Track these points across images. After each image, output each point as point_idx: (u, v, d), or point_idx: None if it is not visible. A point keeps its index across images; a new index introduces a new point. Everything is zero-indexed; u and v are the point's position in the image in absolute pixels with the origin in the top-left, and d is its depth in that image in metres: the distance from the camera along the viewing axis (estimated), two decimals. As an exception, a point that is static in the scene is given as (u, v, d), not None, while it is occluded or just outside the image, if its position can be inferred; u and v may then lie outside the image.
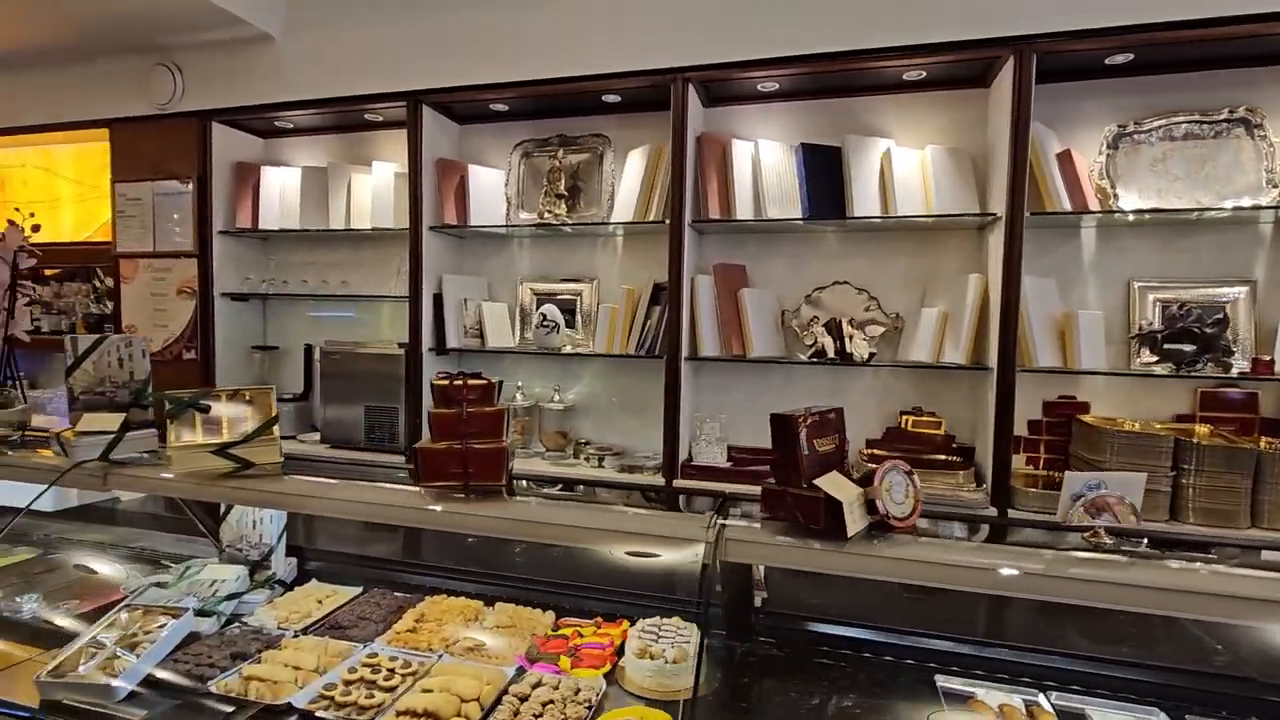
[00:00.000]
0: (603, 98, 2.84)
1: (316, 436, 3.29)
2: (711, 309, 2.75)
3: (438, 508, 1.33)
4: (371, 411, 3.06)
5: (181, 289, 3.32)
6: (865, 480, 1.14)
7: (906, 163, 2.56)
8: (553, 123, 3.07)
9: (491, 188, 3.09)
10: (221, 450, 1.47)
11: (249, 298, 3.48)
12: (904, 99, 2.64)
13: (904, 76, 2.53)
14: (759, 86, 2.67)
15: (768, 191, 2.64)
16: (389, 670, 1.38)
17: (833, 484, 1.10)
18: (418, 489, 1.38)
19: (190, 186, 3.26)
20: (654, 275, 2.94)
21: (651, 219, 2.76)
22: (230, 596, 1.65)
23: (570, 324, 3.02)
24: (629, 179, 2.88)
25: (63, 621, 1.67)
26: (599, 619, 1.65)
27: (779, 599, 1.56)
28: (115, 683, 1.27)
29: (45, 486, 1.55)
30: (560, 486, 2.35)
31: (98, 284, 3.95)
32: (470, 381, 1.36)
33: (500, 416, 1.38)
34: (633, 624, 1.58)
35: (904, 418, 2.63)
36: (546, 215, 2.92)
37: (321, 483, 1.44)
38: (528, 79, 2.78)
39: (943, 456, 2.50)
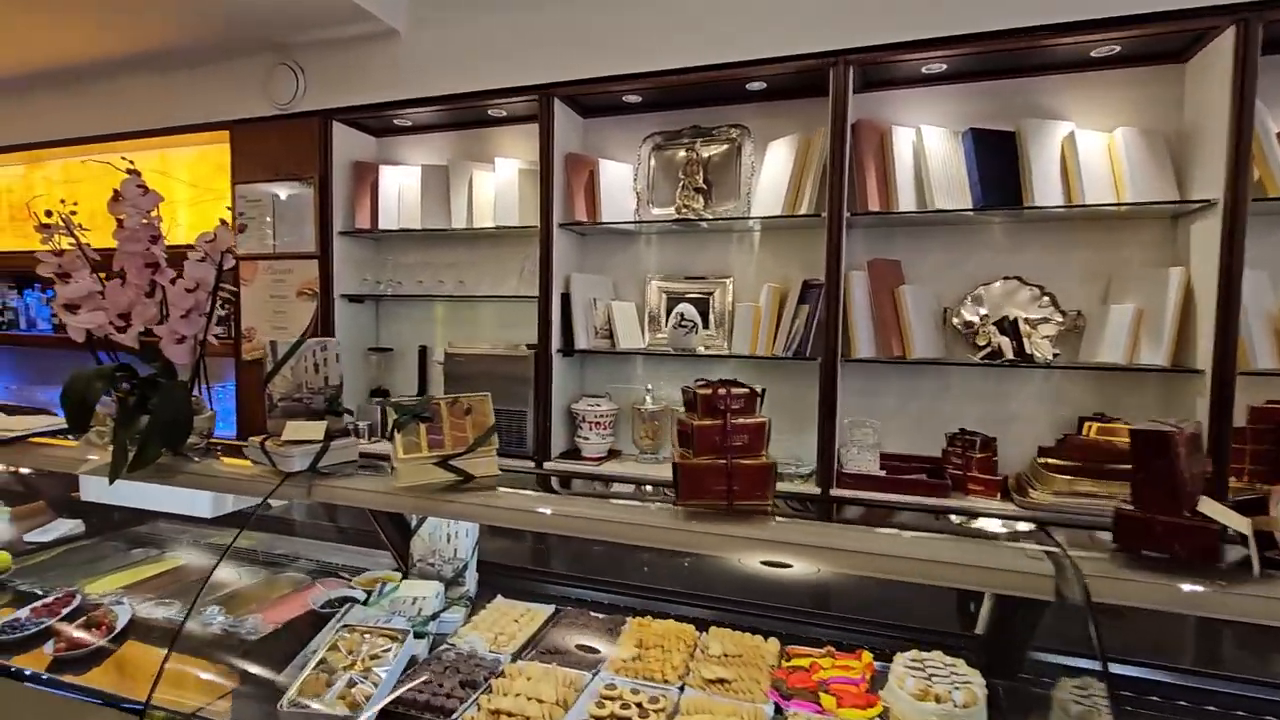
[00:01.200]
0: (747, 86, 2.69)
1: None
2: (866, 308, 2.58)
3: (702, 529, 1.20)
4: (498, 415, 2.97)
5: (302, 290, 3.29)
6: (1248, 507, 0.97)
7: (1092, 147, 2.35)
8: (684, 114, 2.93)
9: (619, 183, 2.97)
10: (444, 462, 1.37)
11: (364, 299, 3.43)
12: (1087, 78, 2.42)
13: (1092, 54, 2.32)
14: (923, 69, 2.49)
15: (933, 181, 2.46)
16: (637, 704, 1.26)
17: (1222, 513, 0.93)
18: (669, 507, 1.26)
19: (311, 187, 3.23)
20: (793, 272, 2.79)
21: (804, 212, 2.60)
22: (433, 616, 1.56)
23: (704, 324, 2.89)
24: (771, 170, 2.73)
25: (258, 637, 1.60)
26: (829, 648, 1.50)
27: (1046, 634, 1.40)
28: (364, 717, 1.18)
29: (260, 499, 1.47)
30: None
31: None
32: (734, 390, 1.23)
33: (763, 429, 1.24)
34: (877, 655, 1.44)
35: (1087, 425, 2.41)
36: (685, 210, 2.78)
37: (568, 500, 1.33)
38: (665, 68, 2.66)
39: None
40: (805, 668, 1.42)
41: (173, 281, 1.64)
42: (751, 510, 1.22)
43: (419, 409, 1.36)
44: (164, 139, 3.65)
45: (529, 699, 1.26)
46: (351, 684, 1.25)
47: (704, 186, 2.80)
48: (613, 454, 3.00)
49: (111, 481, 1.53)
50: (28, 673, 1.42)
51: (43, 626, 1.57)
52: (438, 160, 3.32)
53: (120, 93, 3.64)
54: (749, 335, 2.71)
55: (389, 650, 1.34)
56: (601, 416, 2.92)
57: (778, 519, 1.24)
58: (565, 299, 2.92)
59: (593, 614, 1.67)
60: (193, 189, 3.75)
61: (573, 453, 3.00)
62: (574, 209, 2.91)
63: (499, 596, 1.74)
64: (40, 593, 1.83)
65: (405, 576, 1.78)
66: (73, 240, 1.67)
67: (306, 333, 3.28)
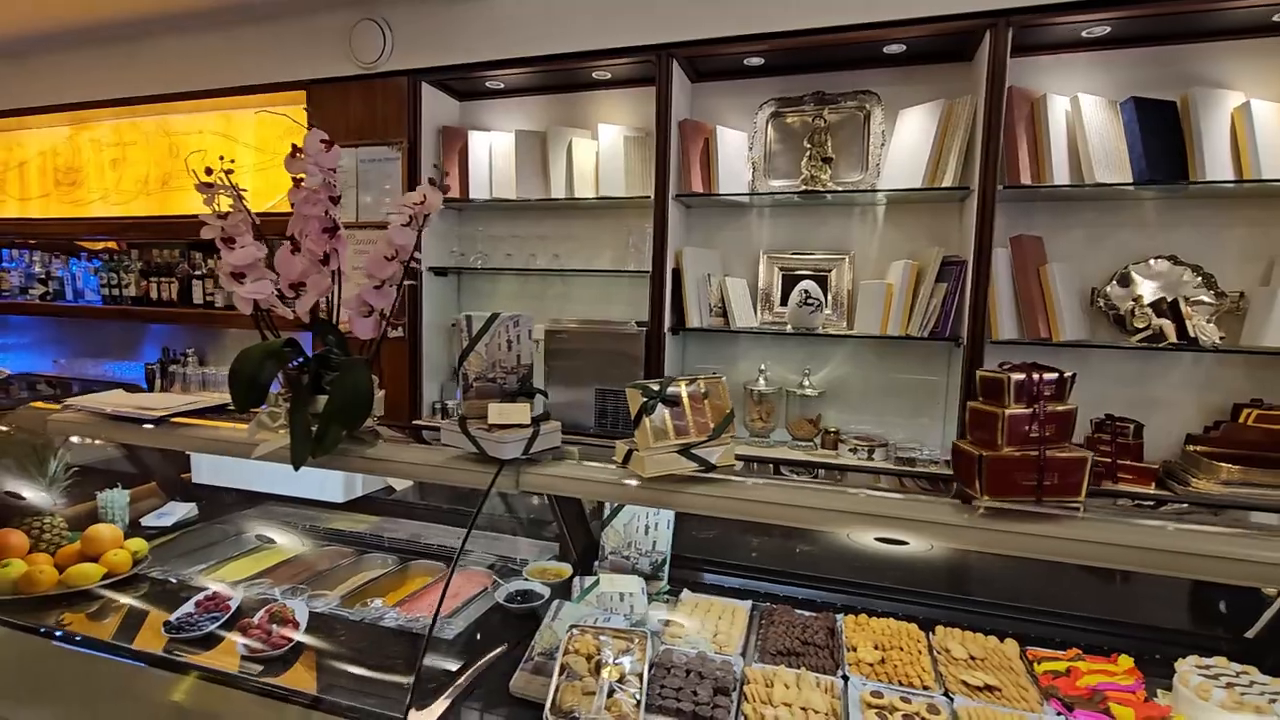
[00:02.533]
0: (884, 49, 2.53)
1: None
2: (1009, 287, 2.46)
3: (1011, 529, 1.09)
4: (604, 395, 2.85)
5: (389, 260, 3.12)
6: None
7: (1268, 119, 2.22)
8: (806, 79, 2.77)
9: (733, 152, 2.82)
10: (685, 450, 1.25)
11: (447, 272, 3.28)
12: (1264, 44, 2.28)
13: (1275, 18, 2.18)
14: (1083, 33, 2.34)
15: (1092, 153, 2.33)
16: (917, 715, 1.16)
17: None
18: (952, 502, 1.15)
19: (400, 153, 3.05)
20: (921, 248, 2.66)
21: (946, 185, 2.46)
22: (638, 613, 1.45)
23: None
24: (905, 140, 2.58)
25: (453, 635, 1.48)
26: (1075, 650, 1.40)
27: None
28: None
29: (486, 488, 1.33)
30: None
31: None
32: (1045, 375, 1.11)
33: (1070, 417, 1.12)
34: (1138, 660, 1.34)
35: (1245, 411, 2.31)
36: (813, 181, 2.64)
37: (830, 493, 1.21)
38: (793, 29, 2.49)
39: (1298, 457, 2.19)
40: (1063, 672, 1.33)
41: (329, 253, 1.48)
42: (1064, 506, 1.10)
43: (663, 392, 1.23)
44: (228, 100, 3.45)
45: (801, 709, 1.15)
46: (611, 692, 1.14)
47: (831, 156, 2.64)
48: (720, 436, 2.88)
49: (297, 468, 1.40)
50: (231, 674, 1.30)
51: (218, 622, 1.45)
52: (527, 126, 3.15)
53: (178, 49, 3.43)
54: (877, 314, 2.58)
55: (630, 653, 1.23)
56: (712, 398, 2.80)
57: (1087, 516, 1.13)
58: (676, 275, 2.78)
59: (797, 610, 1.56)
60: (259, 153, 3.55)
61: (678, 435, 2.88)
62: (689, 179, 2.75)
63: (685, 590, 1.64)
64: (173, 581, 1.71)
65: (579, 570, 1.67)
66: (234, 200, 1.51)
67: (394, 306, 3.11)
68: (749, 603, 1.59)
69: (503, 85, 3.11)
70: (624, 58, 2.74)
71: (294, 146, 1.44)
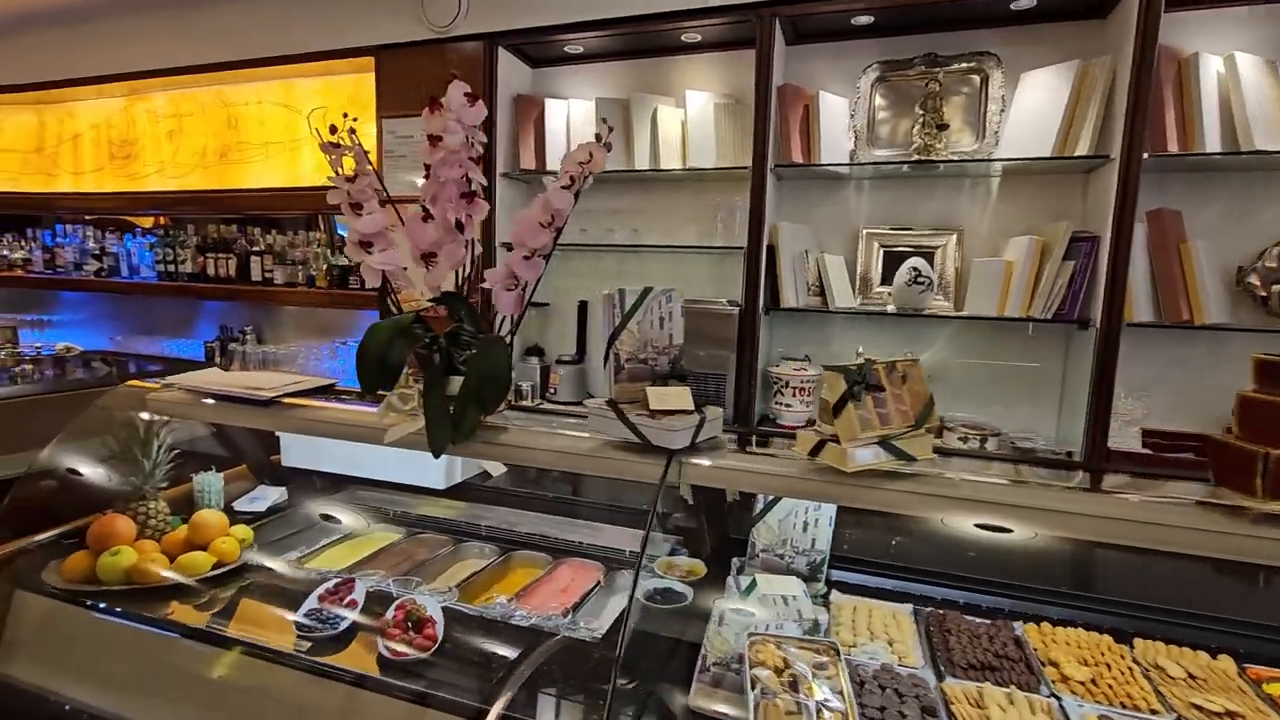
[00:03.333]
0: (1010, 5, 2.33)
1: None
2: (1145, 265, 2.27)
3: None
4: (698, 378, 2.71)
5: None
6: None
7: None
8: (914, 40, 2.57)
9: (834, 119, 2.63)
10: (885, 442, 1.11)
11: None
12: None
13: None
14: (1242, -16, 2.12)
15: (1250, 118, 2.12)
16: (1163, 747, 1.02)
17: None
18: (1222, 505, 0.99)
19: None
20: (1038, 223, 2.48)
21: (1081, 153, 2.27)
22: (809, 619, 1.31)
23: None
24: (1028, 105, 2.39)
25: (596, 637, 1.36)
26: (1300, 669, 1.25)
27: None
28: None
29: (660, 483, 1.20)
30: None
31: (324, 231, 3.68)
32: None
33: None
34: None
35: None
36: (927, 151, 2.45)
37: (1087, 498, 1.06)
38: None
39: None
40: (1298, 695, 1.18)
41: (458, 220, 1.35)
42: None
43: (866, 375, 1.09)
44: (289, 69, 3.31)
45: (1032, 736, 1.02)
46: (819, 713, 1.01)
47: (948, 123, 2.45)
48: (810, 423, 2.74)
49: (437, 454, 1.28)
50: (393, 684, 1.19)
51: (347, 621, 1.34)
52: (604, 93, 2.98)
53: (237, 15, 3.29)
54: (993, 295, 2.41)
55: (824, 668, 1.10)
56: (807, 381, 2.65)
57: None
58: (770, 251, 2.62)
59: (966, 617, 1.42)
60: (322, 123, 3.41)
61: (763, 421, 2.74)
62: (788, 149, 2.58)
63: (834, 592, 1.50)
64: (282, 570, 1.61)
65: (712, 567, 1.54)
66: (359, 162, 1.38)
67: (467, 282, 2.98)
68: (908, 606, 1.45)
69: (581, 50, 2.94)
70: (718, 17, 2.55)
71: (433, 100, 1.30)
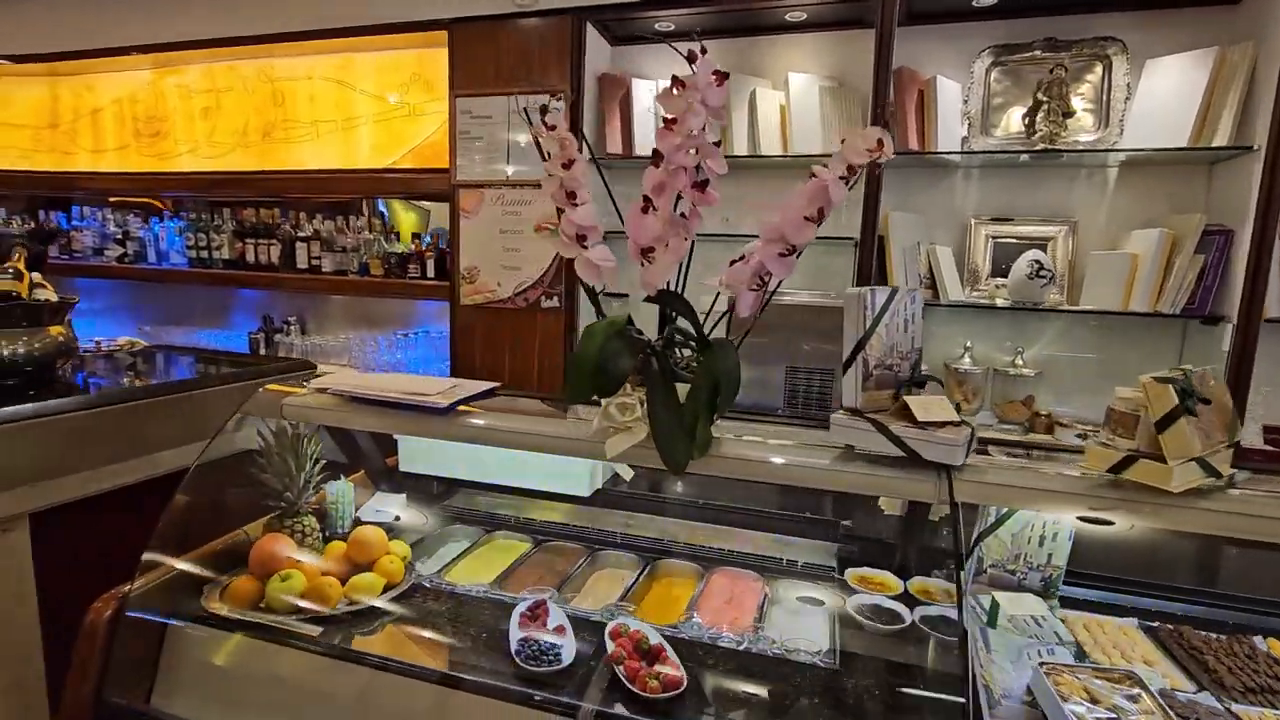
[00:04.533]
0: (1148, -14, 2.25)
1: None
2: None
3: None
4: (796, 375, 2.62)
5: (542, 225, 2.83)
6: None
7: None
8: (1031, 23, 2.48)
9: (947, 105, 2.54)
10: (1200, 458, 1.03)
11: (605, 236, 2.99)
12: None
13: None
14: (1396, -31, 2.06)
15: (1398, 109, 2.07)
16: None
17: None
18: None
19: (561, 103, 2.74)
20: (1158, 215, 2.42)
21: (1219, 143, 2.20)
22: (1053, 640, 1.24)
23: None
24: (1157, 93, 2.32)
25: (828, 667, 1.27)
26: None
27: None
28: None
29: (950, 504, 1.10)
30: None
31: (371, 217, 3.49)
32: None
33: None
34: None
35: None
36: (1052, 139, 2.37)
37: None
38: None
39: None
40: None
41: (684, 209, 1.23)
42: None
43: (1193, 387, 1.00)
44: (344, 41, 3.10)
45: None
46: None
47: (1074, 110, 2.38)
48: (914, 418, 2.67)
49: (678, 471, 1.17)
50: None
51: (566, 651, 1.22)
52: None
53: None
54: (1115, 288, 2.35)
55: (1136, 700, 1.02)
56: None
57: None
58: (880, 241, 2.53)
59: (1194, 630, 1.36)
60: (378, 102, 3.22)
61: (868, 416, 2.66)
62: (904, 136, 2.48)
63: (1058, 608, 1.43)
64: (449, 589, 1.49)
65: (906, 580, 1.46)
66: (573, 146, 1.24)
67: (546, 274, 2.85)
68: (1132, 620, 1.39)
69: (673, 27, 2.79)
70: (834, -6, 2.43)
71: (674, 79, 1.17)
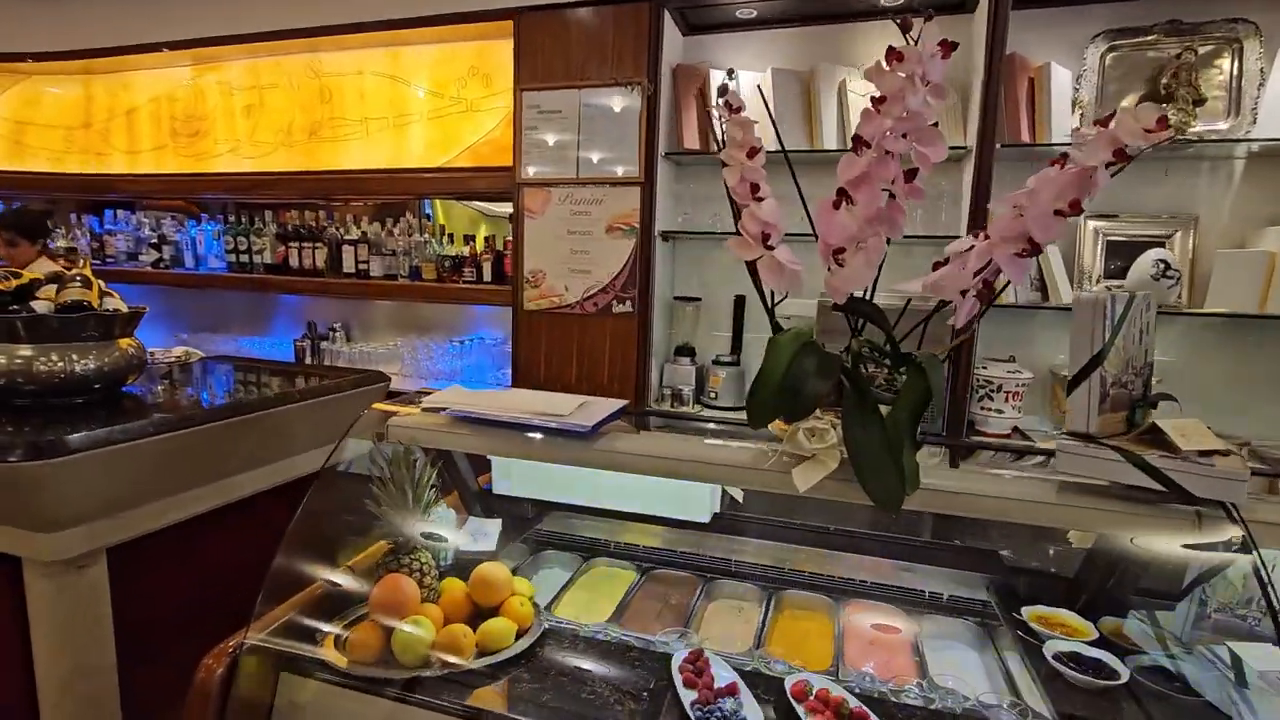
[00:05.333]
0: (1290, -37, 2.08)
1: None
2: None
3: None
4: (893, 383, 2.44)
5: (614, 225, 2.68)
6: None
7: None
8: (1146, 6, 2.30)
9: (1058, 94, 2.36)
10: None
11: (668, 236, 2.83)
12: None
13: None
14: None
15: None
16: None
17: None
18: None
19: (638, 95, 2.58)
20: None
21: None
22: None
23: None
24: (1295, 80, 2.15)
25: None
26: None
27: None
28: None
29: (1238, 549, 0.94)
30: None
31: (420, 219, 3.34)
32: None
33: None
34: None
35: None
36: (1183, 130, 2.20)
37: None
38: None
39: None
40: None
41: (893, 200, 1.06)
42: None
43: None
44: (395, 34, 2.95)
45: None
46: None
47: (1205, 97, 2.20)
48: (1016, 431, 2.50)
49: (894, 510, 0.99)
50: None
51: (738, 712, 1.06)
52: (772, 62, 2.67)
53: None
54: (1251, 289, 2.17)
55: None
56: (1021, 385, 2.40)
57: None
58: (984, 241, 2.35)
59: None
60: (435, 98, 3.06)
61: (968, 428, 2.49)
62: (1015, 127, 2.31)
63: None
64: (582, 631, 1.32)
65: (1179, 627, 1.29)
66: (745, 131, 1.08)
67: (618, 277, 2.68)
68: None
69: (754, 14, 2.63)
70: (935, -23, 2.27)
71: (891, 50, 1.00)
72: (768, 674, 1.19)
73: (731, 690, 1.11)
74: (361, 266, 3.32)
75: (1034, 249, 0.97)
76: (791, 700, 1.09)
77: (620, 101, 2.59)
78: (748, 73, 2.67)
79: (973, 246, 1.03)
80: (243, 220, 3.57)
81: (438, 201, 3.51)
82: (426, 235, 3.25)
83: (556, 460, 1.25)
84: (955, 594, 1.58)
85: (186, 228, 3.74)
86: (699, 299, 2.92)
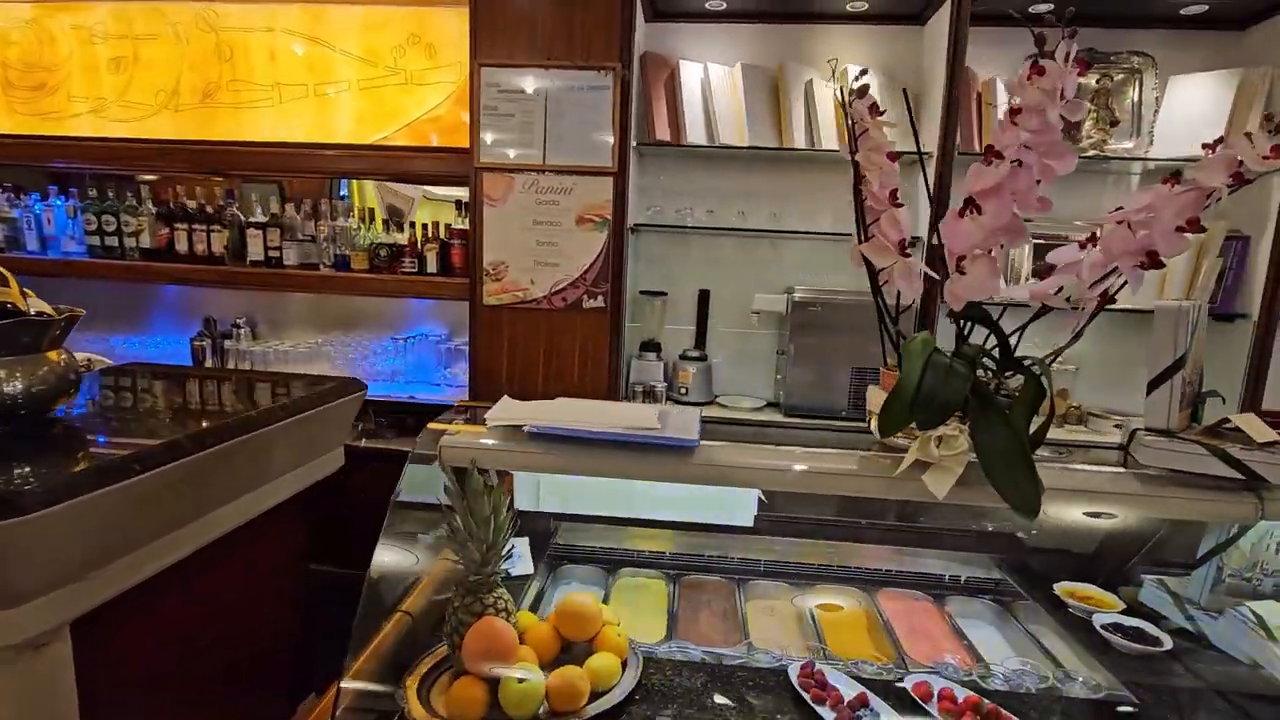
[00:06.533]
0: (1181, 10, 2.41)
1: (752, 404, 2.75)
2: (1280, 263, 2.51)
3: None
4: (861, 375, 2.57)
5: (585, 217, 2.55)
6: None
7: None
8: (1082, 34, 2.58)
9: (1001, 106, 2.59)
10: None
11: (638, 230, 2.76)
12: None
13: None
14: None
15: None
16: None
17: None
18: None
19: (609, 81, 2.46)
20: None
21: (1246, 158, 2.42)
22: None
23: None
24: (1179, 107, 2.51)
25: None
26: None
27: None
28: None
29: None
30: None
31: (331, 201, 3.00)
32: None
33: None
34: None
35: None
36: (1104, 147, 2.49)
37: None
38: None
39: None
40: None
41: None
42: None
43: None
44: (320, -10, 2.60)
45: None
46: None
47: (1119, 119, 2.51)
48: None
49: (1033, 515, 1.03)
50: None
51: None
52: (733, 57, 2.67)
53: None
54: (1148, 289, 2.53)
55: None
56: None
57: None
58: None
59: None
60: (367, 66, 2.73)
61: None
62: (968, 134, 2.49)
63: None
64: (660, 654, 1.26)
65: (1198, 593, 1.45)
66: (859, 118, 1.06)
67: (589, 271, 2.57)
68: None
69: (725, 6, 2.61)
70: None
71: (1034, 64, 1.02)
72: (869, 676, 1.21)
73: (862, 701, 1.11)
74: (272, 254, 2.91)
75: (1155, 262, 1.05)
76: (919, 701, 1.11)
77: (591, 85, 2.47)
78: (715, 65, 2.65)
79: (1080, 259, 1.08)
80: (109, 196, 2.98)
81: (354, 183, 3.16)
82: (353, 220, 2.91)
83: (661, 478, 1.17)
84: (973, 575, 1.70)
85: (28, 202, 3.06)
86: (665, 293, 2.88)
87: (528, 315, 2.62)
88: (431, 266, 2.80)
